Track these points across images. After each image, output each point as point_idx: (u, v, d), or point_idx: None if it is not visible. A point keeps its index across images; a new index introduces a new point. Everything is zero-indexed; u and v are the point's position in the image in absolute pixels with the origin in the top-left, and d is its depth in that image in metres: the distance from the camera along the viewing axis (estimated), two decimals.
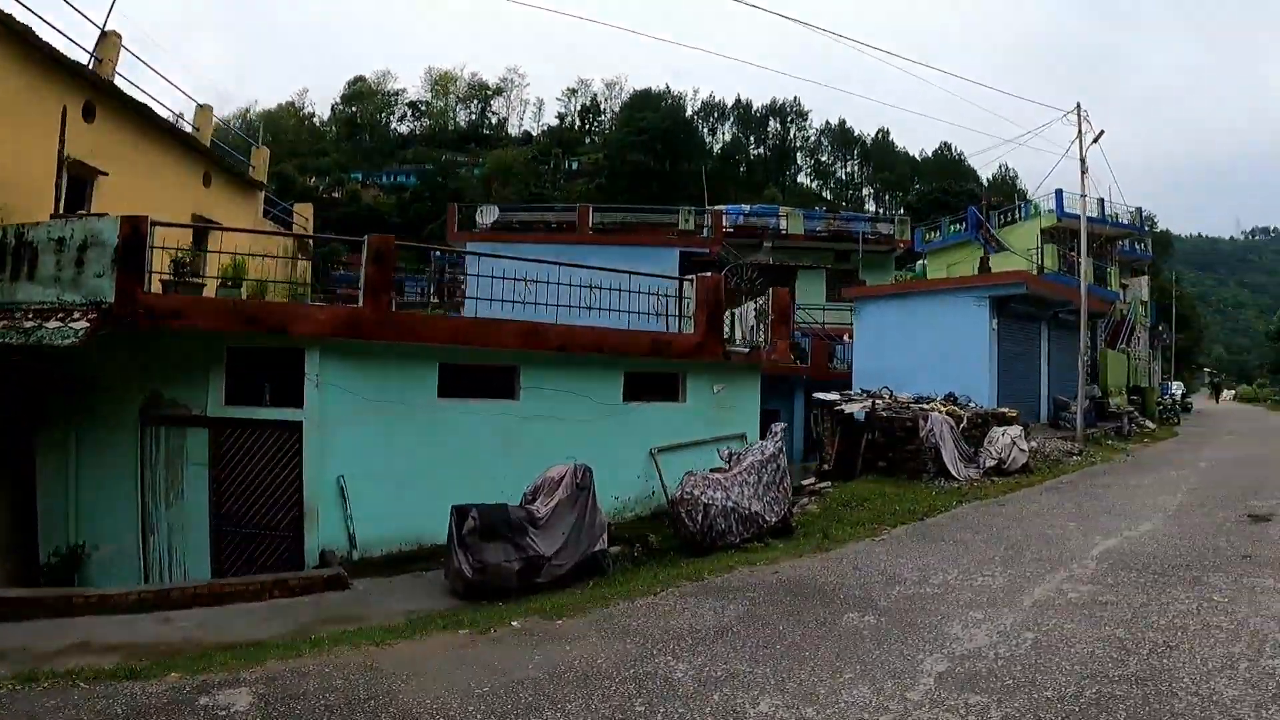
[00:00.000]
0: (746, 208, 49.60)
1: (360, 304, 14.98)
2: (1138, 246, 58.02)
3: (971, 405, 24.04)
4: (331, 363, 14.47)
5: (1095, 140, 28.84)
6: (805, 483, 20.84)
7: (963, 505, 16.90)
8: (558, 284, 17.35)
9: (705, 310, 18.42)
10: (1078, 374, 28.51)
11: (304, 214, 35.34)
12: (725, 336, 19.56)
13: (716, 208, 45.89)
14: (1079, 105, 28.99)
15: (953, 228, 52.84)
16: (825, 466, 22.22)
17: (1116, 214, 49.62)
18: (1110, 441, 29.10)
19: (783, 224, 46.25)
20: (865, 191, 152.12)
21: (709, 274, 19.89)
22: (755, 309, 20.98)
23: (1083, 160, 28.67)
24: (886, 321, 29.54)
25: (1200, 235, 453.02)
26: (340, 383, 14.57)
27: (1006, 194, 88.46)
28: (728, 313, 20.45)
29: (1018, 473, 21.02)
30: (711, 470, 15.53)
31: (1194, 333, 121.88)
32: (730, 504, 14.34)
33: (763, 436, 17.24)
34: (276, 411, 14.49)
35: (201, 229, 20.15)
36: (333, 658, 7.94)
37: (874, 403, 22.14)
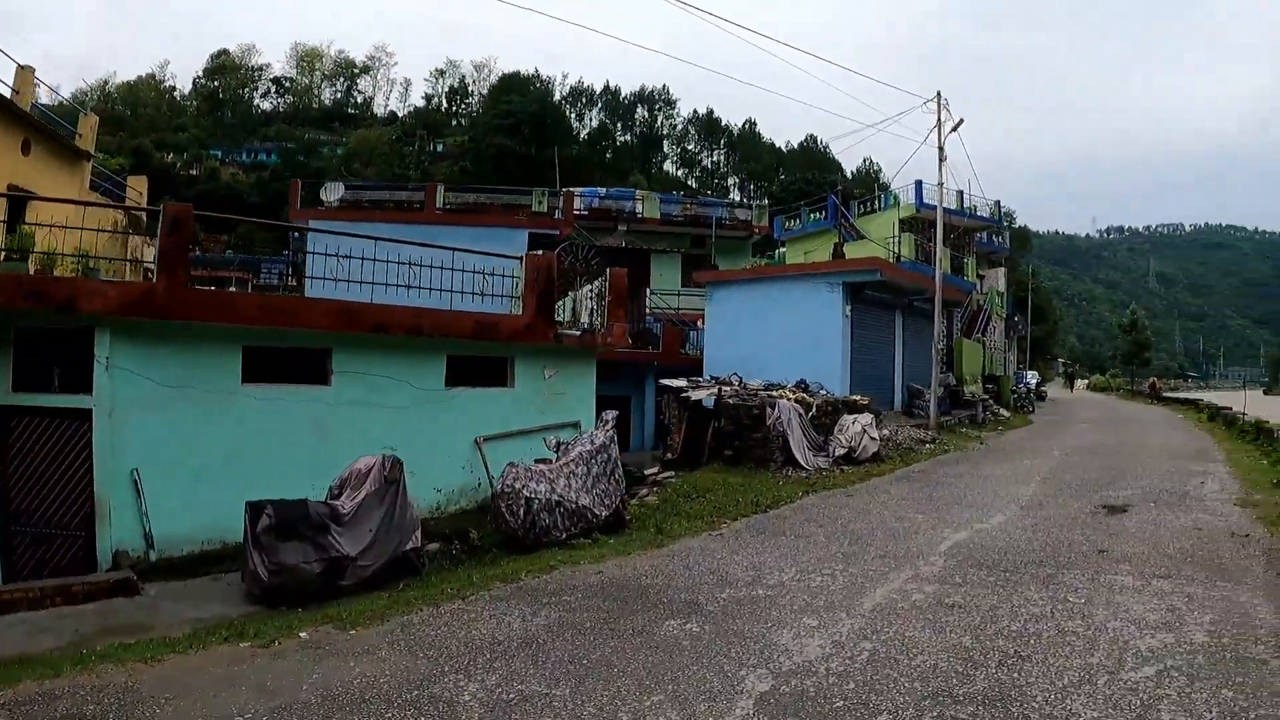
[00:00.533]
0: (602, 191, 48.31)
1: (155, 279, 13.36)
2: (995, 239, 58.46)
3: (823, 393, 23.31)
4: (124, 345, 12.82)
5: (954, 129, 28.44)
6: (648, 472, 19.86)
7: (809, 496, 16.03)
8: (388, 262, 15.90)
9: (535, 290, 17.07)
10: (932, 362, 27.91)
11: (137, 188, 33.14)
12: (564, 319, 18.33)
13: (570, 189, 44.55)
14: (939, 94, 28.58)
15: (812, 216, 52.52)
16: (669, 455, 21.17)
17: (975, 207, 49.82)
18: (965, 429, 28.74)
19: (639, 207, 45.11)
20: (731, 181, 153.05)
21: (540, 252, 18.62)
22: (594, 291, 19.79)
23: (941, 148, 28.22)
24: (739, 307, 28.62)
25: (1058, 233, 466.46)
26: (134, 366, 12.90)
27: (870, 187, 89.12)
28: (569, 295, 19.31)
29: (869, 461, 20.27)
30: (537, 461, 14.30)
31: (1050, 324, 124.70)
32: (556, 497, 13.07)
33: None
34: (65, 398, 12.76)
35: (17, 199, 18.31)
36: (94, 677, 6.94)
37: (720, 389, 21.15)
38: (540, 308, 17.15)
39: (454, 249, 16.82)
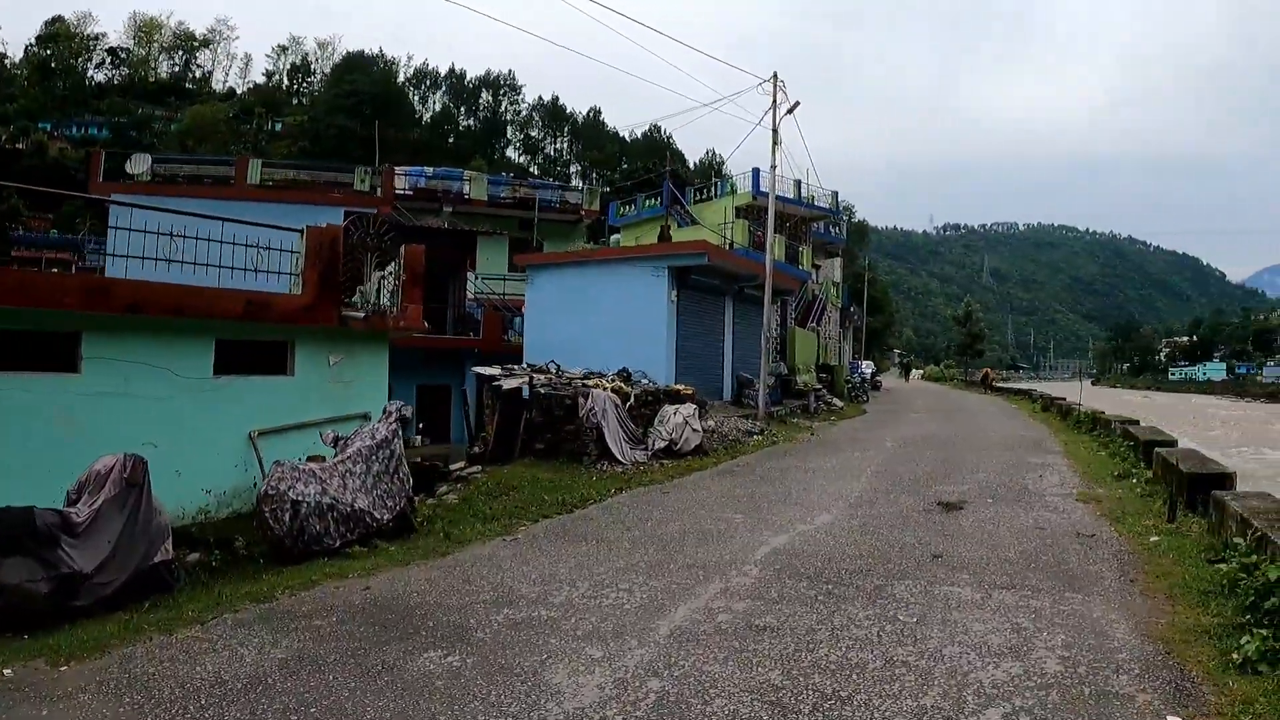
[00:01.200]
0: (429, 170, 46.24)
1: None
2: (833, 230, 58.41)
3: (644, 382, 22.05)
4: None
5: (790, 111, 27.47)
6: (454, 468, 18.31)
7: (622, 494, 14.62)
8: (198, 240, 14.01)
9: (318, 267, 15.12)
10: (762, 351, 26.89)
11: None
12: (368, 303, 16.53)
13: (393, 167, 42.68)
14: (775, 75, 27.54)
15: (647, 202, 51.67)
16: (475, 449, 19.68)
17: (813, 197, 49.57)
18: (796, 420, 27.82)
19: (466, 188, 43.43)
20: (573, 169, 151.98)
21: (325, 224, 16.77)
22: (390, 272, 18.00)
23: (775, 130, 27.17)
24: (562, 292, 27.20)
25: (897, 229, 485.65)
26: None
27: (712, 177, 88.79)
28: (374, 274, 17.52)
29: (691, 454, 19.03)
30: (309, 459, 12.59)
31: (887, 316, 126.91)
32: (328, 500, 11.31)
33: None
34: None
35: None
36: None
37: (532, 378, 19.68)
38: (324, 286, 15.26)
39: (225, 220, 14.91)
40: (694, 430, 19.46)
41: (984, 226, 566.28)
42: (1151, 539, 10.29)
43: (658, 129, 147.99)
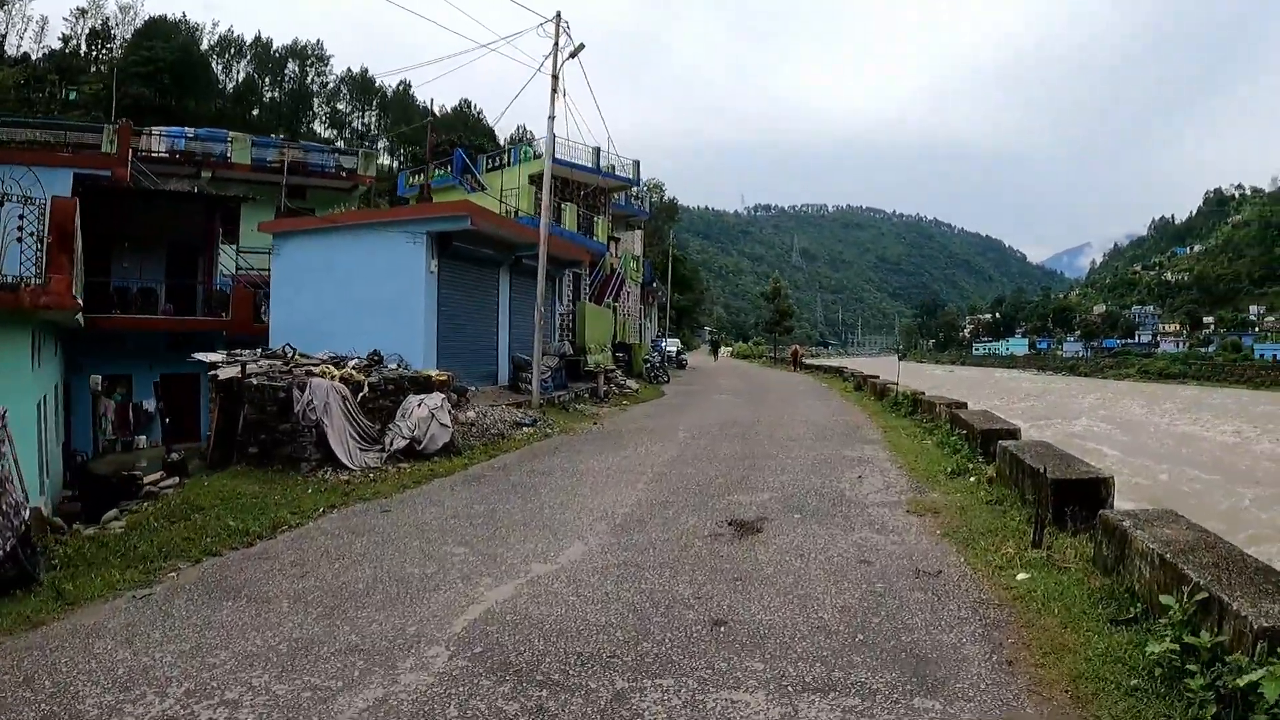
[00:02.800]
0: (191, 131, 41.58)
1: None
2: (636, 203, 55.87)
3: (393, 368, 18.70)
4: None
5: (573, 55, 24.17)
6: (147, 480, 14.89)
7: (333, 513, 11.24)
8: None
9: None
10: (535, 328, 23.73)
11: None
12: None
13: (135, 126, 38.08)
14: (559, 14, 24.22)
15: (437, 172, 48.20)
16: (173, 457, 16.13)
17: (613, 166, 46.61)
18: (581, 407, 24.77)
19: (230, 151, 39.25)
20: (381, 144, 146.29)
21: None
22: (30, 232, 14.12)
23: (555, 76, 23.87)
24: (311, 263, 23.47)
25: (709, 208, 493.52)
26: None
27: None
28: None
29: (439, 454, 15.67)
30: None
31: (697, 293, 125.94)
32: None
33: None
34: None
35: None
36: None
37: (244, 366, 16.21)
38: None
39: None
40: (442, 425, 16.16)
41: (794, 207, 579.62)
42: (1019, 577, 7.41)
43: (469, 103, 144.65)
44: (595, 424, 21.53)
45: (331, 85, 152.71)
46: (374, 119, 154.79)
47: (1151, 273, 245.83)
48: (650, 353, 42.74)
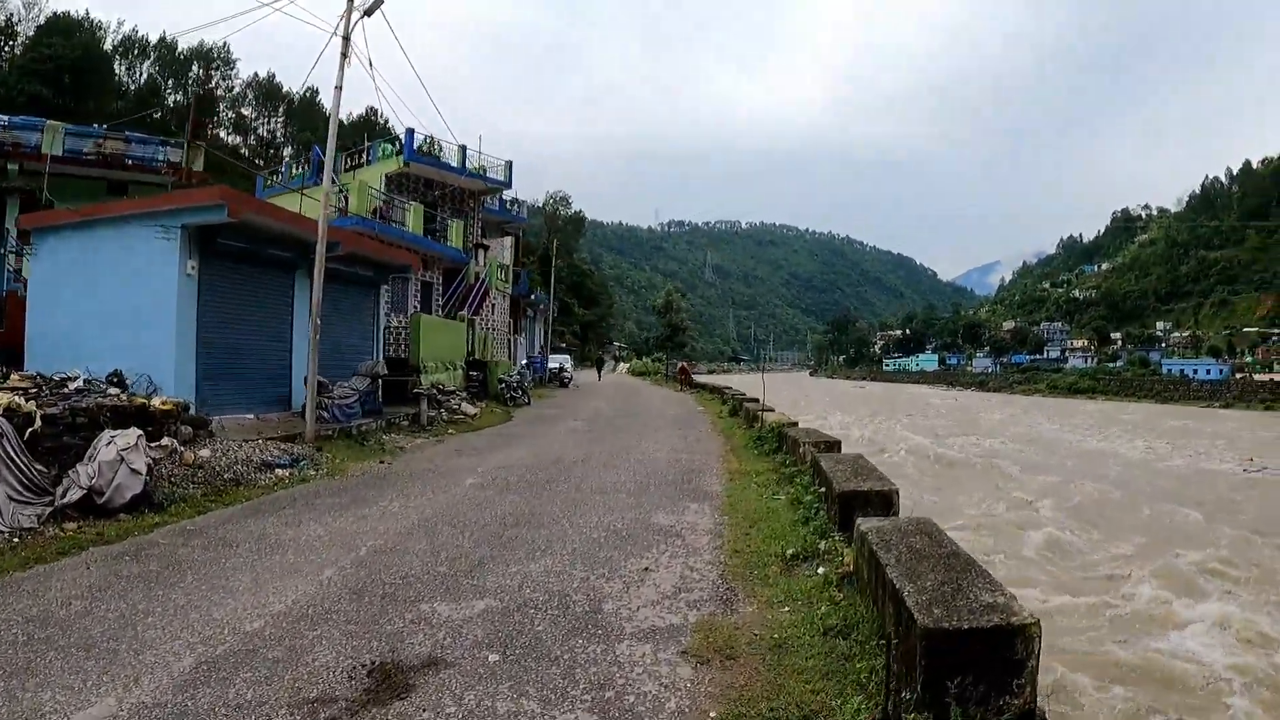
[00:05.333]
0: (5, 119, 36.90)
1: None
2: (512, 208, 51.89)
3: (118, 394, 14.57)
4: None
5: (369, 12, 19.93)
6: None
7: None
8: None
9: None
10: (311, 344, 19.45)
11: None
12: None
13: None
14: None
15: (295, 171, 44.03)
16: None
17: (484, 168, 42.60)
18: (389, 437, 20.60)
19: (42, 141, 34.55)
20: (287, 151, 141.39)
21: None
22: None
23: (346, 38, 19.67)
24: (68, 264, 19.15)
25: (622, 223, 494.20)
26: None
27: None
28: None
29: (128, 509, 11.63)
30: None
31: (604, 309, 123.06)
32: None
33: None
34: None
35: None
36: None
37: None
38: None
39: None
40: (132, 471, 11.98)
41: (707, 224, 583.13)
42: None
43: (374, 111, 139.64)
44: (384, 462, 17.44)
45: (237, 90, 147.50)
46: (280, 125, 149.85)
47: (1060, 290, 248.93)
48: (510, 372, 38.47)
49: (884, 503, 9.19)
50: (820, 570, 8.14)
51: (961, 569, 5.56)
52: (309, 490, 13.96)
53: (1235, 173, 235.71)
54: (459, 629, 6.93)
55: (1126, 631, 14.16)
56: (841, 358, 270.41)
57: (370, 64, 20.27)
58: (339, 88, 19.98)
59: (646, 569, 8.78)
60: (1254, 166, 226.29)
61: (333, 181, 34.74)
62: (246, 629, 6.96)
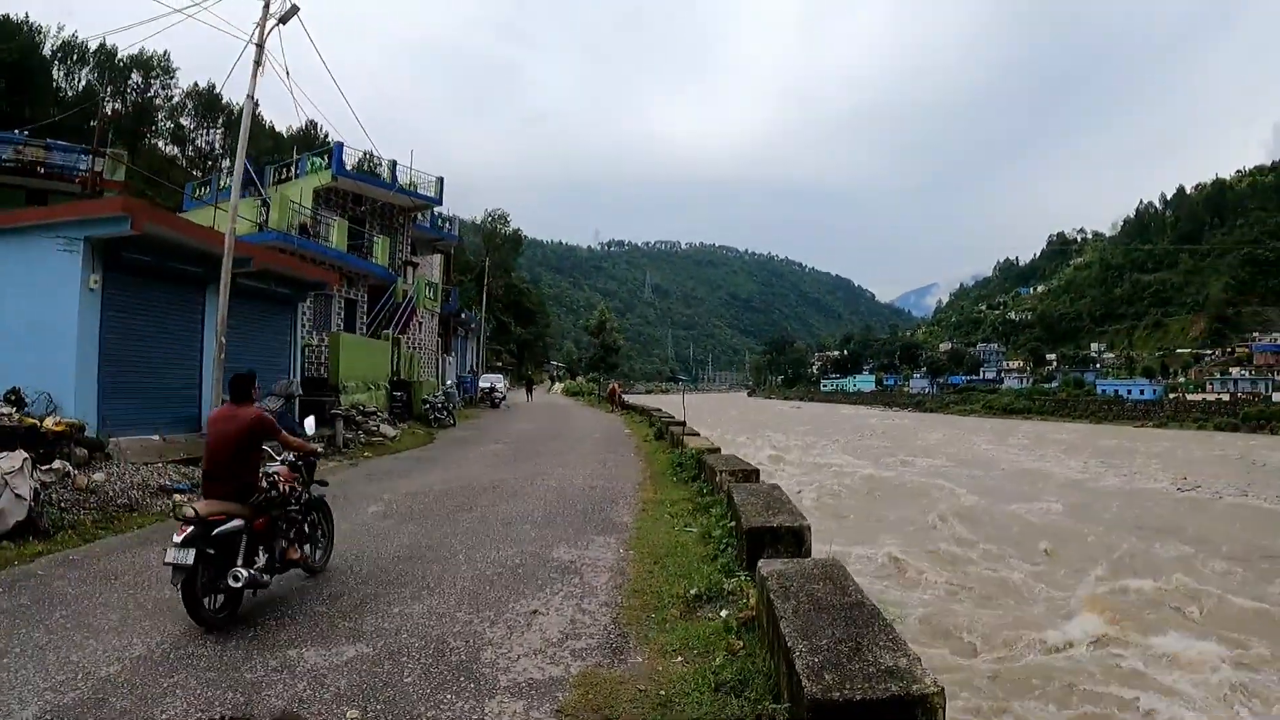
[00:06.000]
0: None
1: None
2: (445, 226, 51.19)
3: (32, 413, 14.03)
4: None
5: (284, 20, 19.35)
6: None
7: None
8: None
9: None
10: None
11: None
12: None
13: None
14: None
15: (224, 183, 42.95)
16: None
17: (416, 184, 41.89)
18: None
19: None
20: (225, 163, 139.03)
21: None
22: None
23: (261, 45, 19.06)
24: None
25: (562, 243, 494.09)
26: None
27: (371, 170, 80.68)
28: None
29: (7, 538, 10.89)
30: None
31: (541, 328, 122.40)
32: None
33: None
34: None
35: None
36: None
37: None
38: None
39: None
40: (16, 496, 11.39)
41: (647, 244, 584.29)
42: None
43: (314, 124, 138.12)
44: None
45: (176, 99, 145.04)
46: (219, 137, 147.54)
47: (996, 312, 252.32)
48: (436, 392, 37.68)
49: (795, 540, 8.81)
50: (723, 613, 7.74)
51: (864, 623, 5.28)
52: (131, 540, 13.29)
53: (1169, 198, 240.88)
54: (322, 679, 6.50)
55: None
56: (779, 378, 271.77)
57: (288, 73, 19.72)
58: (251, 96, 19.49)
59: (535, 612, 8.33)
60: (1187, 192, 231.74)
61: (258, 194, 34.10)
62: (101, 674, 6.57)
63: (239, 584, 7.73)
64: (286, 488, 8.97)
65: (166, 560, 7.40)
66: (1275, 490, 39.05)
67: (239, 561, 7.93)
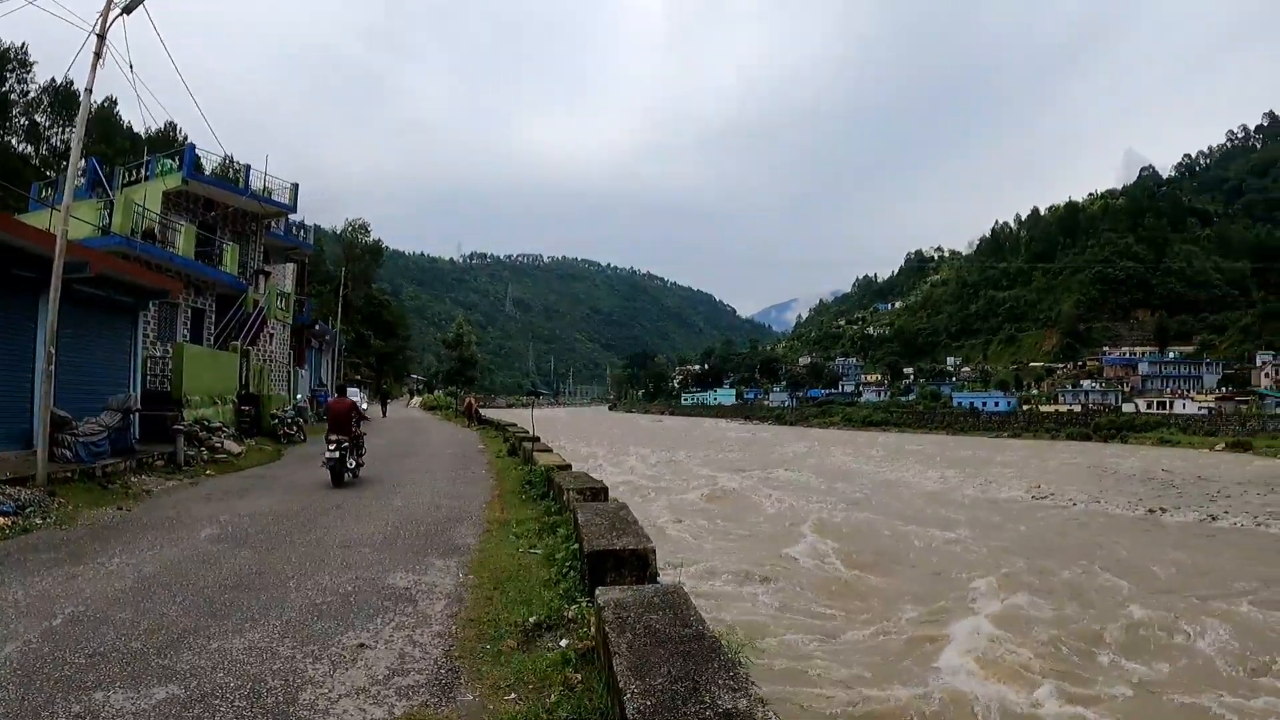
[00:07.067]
0: None
1: None
2: (299, 233, 49.81)
3: None
4: None
5: (127, 10, 18.26)
6: None
7: None
8: None
9: None
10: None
11: None
12: None
13: None
14: None
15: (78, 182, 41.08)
16: None
17: (270, 190, 40.58)
18: (138, 479, 18.59)
19: None
20: (82, 164, 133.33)
21: None
22: None
23: (102, 36, 17.85)
24: None
25: (424, 255, 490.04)
26: None
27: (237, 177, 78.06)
28: None
29: None
30: None
31: (401, 340, 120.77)
32: None
33: None
34: None
35: None
36: None
37: None
38: None
39: None
40: None
41: (510, 257, 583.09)
42: None
43: (174, 126, 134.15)
44: (122, 509, 15.51)
45: (32, 95, 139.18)
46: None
47: (855, 327, 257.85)
48: (286, 407, 36.31)
49: (639, 563, 8.21)
50: (563, 643, 7.27)
51: (704, 658, 4.82)
52: (28, 542, 12.23)
53: (1024, 218, 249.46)
54: None
55: None
56: (641, 392, 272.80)
57: (131, 67, 18.66)
58: (89, 90, 18.34)
59: (362, 645, 7.59)
60: (1041, 213, 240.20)
61: (105, 196, 32.54)
62: None
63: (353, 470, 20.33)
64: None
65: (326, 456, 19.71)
66: (1126, 497, 41.18)
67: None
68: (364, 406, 56.04)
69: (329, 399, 31.38)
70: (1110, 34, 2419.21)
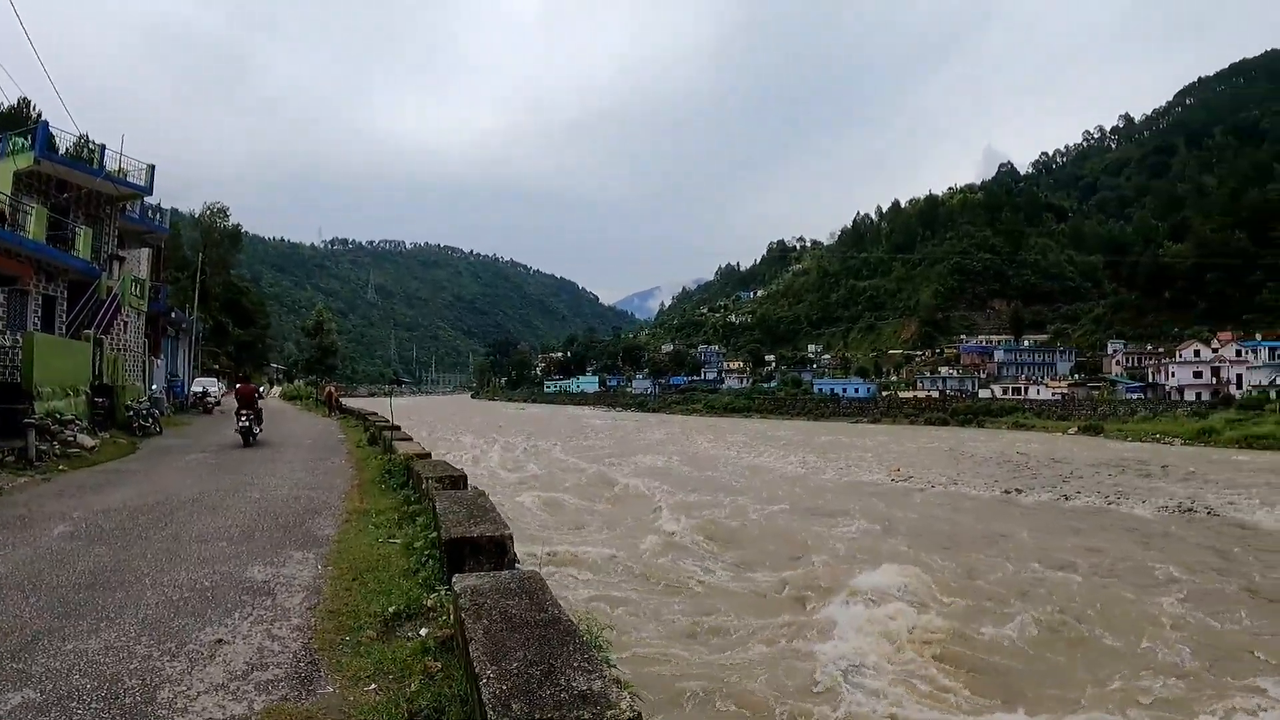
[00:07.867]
0: None
1: None
2: (155, 217, 48.22)
3: None
4: None
5: None
6: None
7: None
8: None
9: None
10: None
11: None
12: None
13: None
14: None
15: None
16: None
17: (126, 171, 39.16)
18: None
19: None
20: None
21: None
22: None
23: None
24: None
25: (284, 240, 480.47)
26: None
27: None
28: None
29: None
30: None
31: (260, 328, 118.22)
32: None
33: None
34: None
35: None
36: None
37: None
38: None
39: None
40: None
41: (372, 243, 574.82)
42: None
43: (28, 103, 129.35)
44: None
45: None
46: None
47: (718, 315, 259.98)
48: (141, 398, 35.08)
49: (498, 550, 8.22)
50: (423, 632, 7.27)
51: (559, 641, 4.95)
52: None
53: (884, 210, 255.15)
54: None
55: None
56: (503, 380, 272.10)
57: None
58: None
59: (220, 641, 7.44)
60: (901, 205, 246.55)
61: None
62: None
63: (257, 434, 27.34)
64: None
65: (239, 426, 27.18)
66: (983, 479, 43.03)
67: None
68: (220, 396, 54.99)
69: (235, 388, 32.64)
70: (971, 34, 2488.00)
